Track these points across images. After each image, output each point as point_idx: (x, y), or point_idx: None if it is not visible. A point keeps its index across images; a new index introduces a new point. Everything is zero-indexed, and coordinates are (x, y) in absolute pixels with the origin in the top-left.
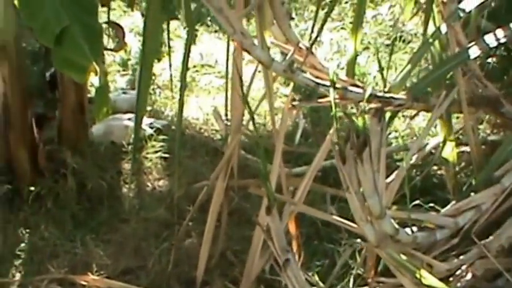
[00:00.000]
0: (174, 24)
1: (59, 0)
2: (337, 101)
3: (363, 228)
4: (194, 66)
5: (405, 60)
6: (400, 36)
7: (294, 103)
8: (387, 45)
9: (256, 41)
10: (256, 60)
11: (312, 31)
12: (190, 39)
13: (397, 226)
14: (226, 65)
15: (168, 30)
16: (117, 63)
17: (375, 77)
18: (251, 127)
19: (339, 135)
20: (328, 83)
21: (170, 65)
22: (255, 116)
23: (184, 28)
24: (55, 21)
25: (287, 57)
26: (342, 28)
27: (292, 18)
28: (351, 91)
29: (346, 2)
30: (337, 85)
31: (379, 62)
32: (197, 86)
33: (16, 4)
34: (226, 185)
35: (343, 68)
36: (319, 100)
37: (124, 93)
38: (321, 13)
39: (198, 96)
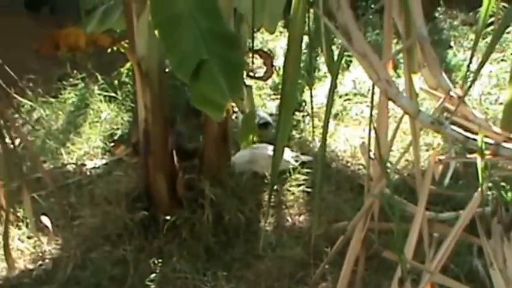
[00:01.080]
0: None
1: (200, 32)
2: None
3: None
4: (346, 94)
5: None
6: None
7: (441, 157)
8: None
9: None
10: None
11: (470, 63)
12: (333, 87)
13: None
14: (370, 110)
15: (311, 58)
16: (269, 86)
17: None
18: (399, 166)
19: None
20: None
21: (311, 97)
22: (405, 154)
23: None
24: (193, 55)
25: (436, 107)
26: (502, 60)
27: (451, 47)
28: (505, 147)
29: (508, 32)
30: (490, 140)
31: None
32: (348, 115)
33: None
34: (366, 229)
35: (501, 103)
36: (469, 156)
37: None
38: (481, 43)
39: (348, 126)
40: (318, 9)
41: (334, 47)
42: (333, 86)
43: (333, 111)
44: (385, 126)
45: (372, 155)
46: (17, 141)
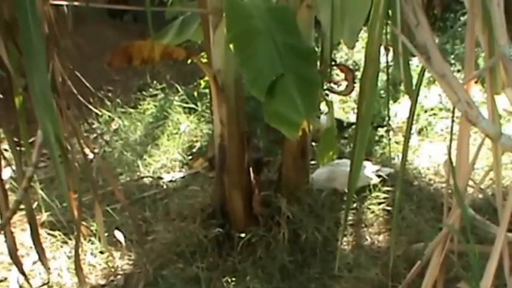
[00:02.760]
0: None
1: (276, 46)
2: None
3: None
4: (432, 109)
5: None
6: None
7: None
8: None
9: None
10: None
11: None
12: (414, 105)
13: None
14: (451, 130)
15: (388, 76)
16: (353, 99)
17: None
18: (483, 185)
19: None
20: None
21: (388, 114)
22: (490, 172)
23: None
24: (269, 71)
25: None
26: None
27: None
28: None
29: None
30: None
31: None
32: (432, 130)
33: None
34: (445, 252)
35: None
36: None
37: None
38: None
39: (432, 142)
40: (396, 27)
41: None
42: (413, 107)
43: (418, 126)
44: (465, 150)
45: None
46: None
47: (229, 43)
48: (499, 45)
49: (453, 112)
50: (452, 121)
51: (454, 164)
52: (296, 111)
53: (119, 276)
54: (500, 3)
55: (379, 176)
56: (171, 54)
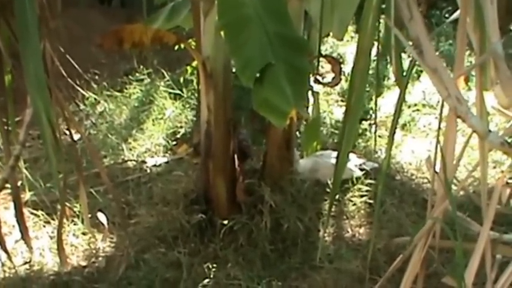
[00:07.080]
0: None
1: (267, 35)
2: None
3: None
4: (415, 105)
5: None
6: None
7: (509, 181)
8: None
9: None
10: (470, 128)
11: None
12: (401, 101)
13: None
14: (438, 125)
15: (377, 70)
16: (337, 92)
17: None
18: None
19: None
20: None
21: (376, 107)
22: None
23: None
24: (259, 59)
25: (506, 125)
26: None
27: None
28: None
29: None
30: None
31: None
32: (415, 126)
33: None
34: (427, 247)
35: None
36: None
37: None
38: None
39: (415, 138)
40: (389, 20)
41: (405, 55)
42: (401, 100)
43: (401, 121)
44: (452, 145)
45: (437, 170)
46: (78, 135)
47: (220, 30)
48: (490, 43)
49: (441, 109)
50: (440, 118)
51: (438, 161)
52: (285, 100)
53: (100, 258)
54: (494, 1)
55: (361, 170)
56: (162, 39)
